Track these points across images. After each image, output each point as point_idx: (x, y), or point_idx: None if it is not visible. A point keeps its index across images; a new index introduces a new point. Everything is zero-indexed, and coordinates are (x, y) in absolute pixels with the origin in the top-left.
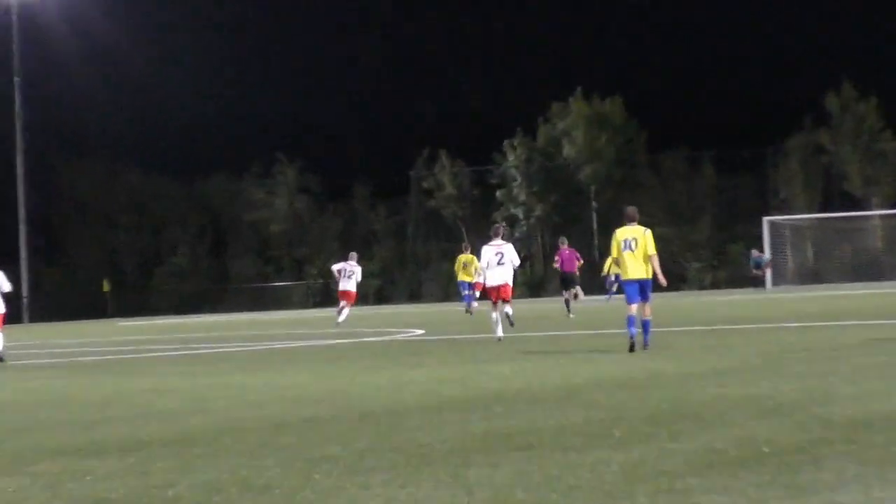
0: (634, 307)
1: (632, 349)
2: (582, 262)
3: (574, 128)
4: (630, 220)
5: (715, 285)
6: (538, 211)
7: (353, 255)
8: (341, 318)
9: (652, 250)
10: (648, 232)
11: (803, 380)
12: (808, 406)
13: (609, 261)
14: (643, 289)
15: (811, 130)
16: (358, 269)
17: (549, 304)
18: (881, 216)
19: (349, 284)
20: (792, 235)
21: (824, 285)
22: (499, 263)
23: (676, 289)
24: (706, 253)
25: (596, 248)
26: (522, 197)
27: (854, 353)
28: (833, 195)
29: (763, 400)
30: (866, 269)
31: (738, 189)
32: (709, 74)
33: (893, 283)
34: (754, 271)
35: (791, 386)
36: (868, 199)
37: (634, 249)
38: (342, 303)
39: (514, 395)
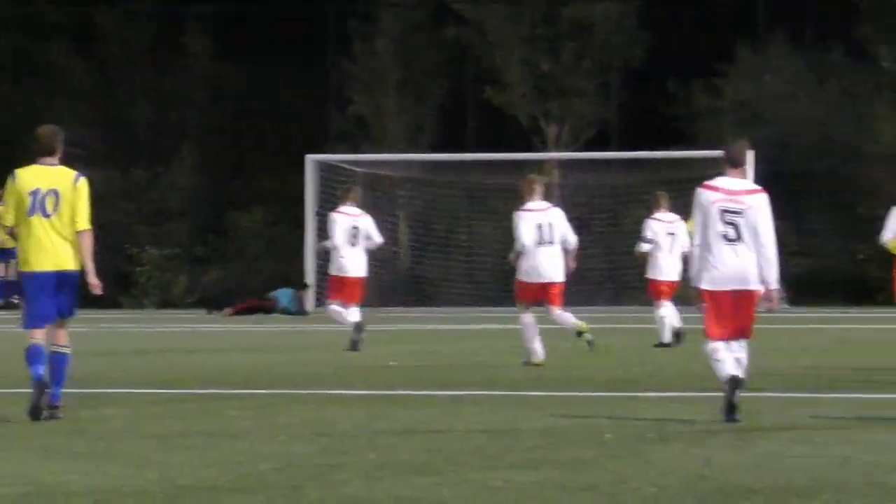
0: (41, 333)
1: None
2: None
3: None
4: (47, 153)
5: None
6: None
7: None
8: None
9: (85, 221)
10: (83, 182)
11: None
12: None
13: None
14: (65, 291)
15: None
16: None
17: None
18: (559, 164)
19: None
20: (372, 195)
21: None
22: None
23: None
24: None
25: None
26: None
27: None
28: (469, 112)
29: None
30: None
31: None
32: None
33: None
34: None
35: None
36: (539, 129)
37: (52, 214)
38: None
39: None
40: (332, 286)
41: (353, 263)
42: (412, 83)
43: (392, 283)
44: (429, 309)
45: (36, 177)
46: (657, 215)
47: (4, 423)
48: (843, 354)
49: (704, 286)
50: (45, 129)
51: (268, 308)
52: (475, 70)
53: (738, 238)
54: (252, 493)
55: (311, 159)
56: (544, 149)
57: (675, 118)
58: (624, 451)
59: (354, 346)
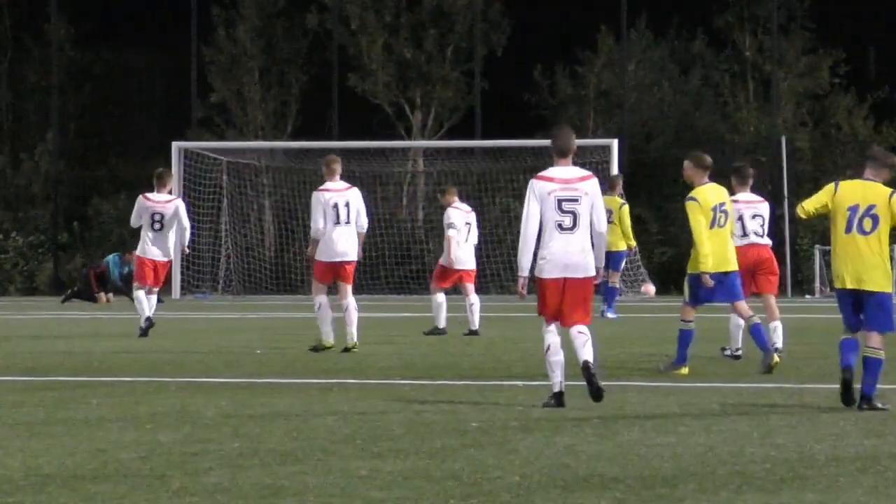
0: None
1: None
2: None
3: None
4: None
5: None
6: None
7: None
8: None
9: None
10: None
11: None
12: None
13: None
14: None
15: None
16: None
17: None
18: (424, 154)
19: None
20: (238, 182)
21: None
22: None
23: None
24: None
25: None
26: None
27: None
28: (333, 100)
29: None
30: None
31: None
32: None
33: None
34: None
35: None
36: (404, 116)
37: None
38: None
39: None
40: (138, 269)
41: (158, 248)
42: (275, 71)
43: (258, 271)
44: (295, 297)
45: None
46: (456, 204)
47: None
48: (706, 343)
49: (537, 275)
50: None
51: (102, 272)
52: (338, 58)
53: (574, 226)
54: (115, 481)
55: (176, 146)
56: (409, 137)
57: (538, 106)
58: (488, 440)
59: (144, 332)
